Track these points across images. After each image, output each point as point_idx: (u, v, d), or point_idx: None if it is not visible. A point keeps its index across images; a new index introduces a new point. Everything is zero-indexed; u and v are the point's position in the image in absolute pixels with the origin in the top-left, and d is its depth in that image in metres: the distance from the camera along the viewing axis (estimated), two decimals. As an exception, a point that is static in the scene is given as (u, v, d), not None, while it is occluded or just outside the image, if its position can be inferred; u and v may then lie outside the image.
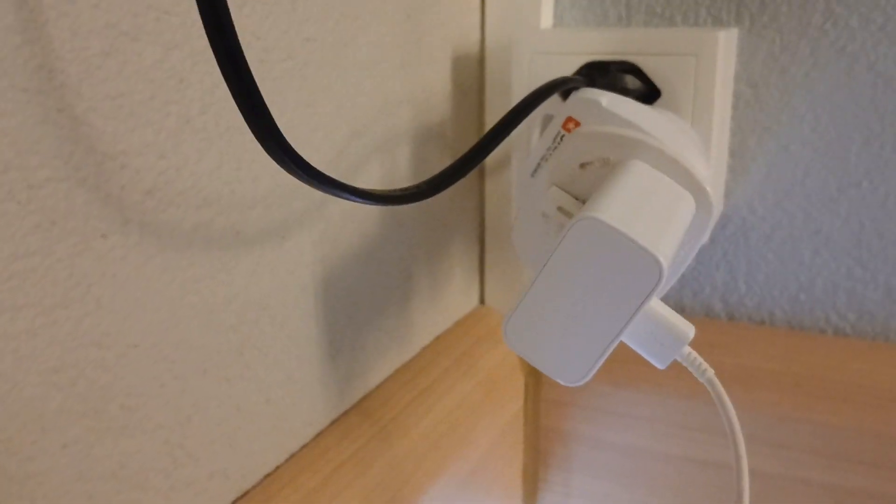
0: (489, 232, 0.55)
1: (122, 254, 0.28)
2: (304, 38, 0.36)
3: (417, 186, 0.32)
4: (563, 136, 0.40)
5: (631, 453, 0.54)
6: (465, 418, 0.48)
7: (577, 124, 0.40)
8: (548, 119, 0.47)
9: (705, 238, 0.39)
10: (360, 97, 0.40)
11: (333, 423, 0.42)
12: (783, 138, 0.48)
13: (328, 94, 0.38)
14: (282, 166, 0.24)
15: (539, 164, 0.41)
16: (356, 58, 0.39)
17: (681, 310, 0.54)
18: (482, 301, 0.57)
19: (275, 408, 0.37)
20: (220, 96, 0.31)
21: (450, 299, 0.53)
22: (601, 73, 0.43)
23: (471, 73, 0.51)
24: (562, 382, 0.34)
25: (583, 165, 0.39)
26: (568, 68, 0.45)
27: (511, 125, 0.37)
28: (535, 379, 0.55)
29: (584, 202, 0.40)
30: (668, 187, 0.36)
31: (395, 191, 0.31)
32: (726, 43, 0.45)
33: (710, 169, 0.45)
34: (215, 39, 0.21)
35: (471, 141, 0.53)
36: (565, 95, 0.44)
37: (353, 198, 0.28)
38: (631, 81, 0.44)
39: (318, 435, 0.41)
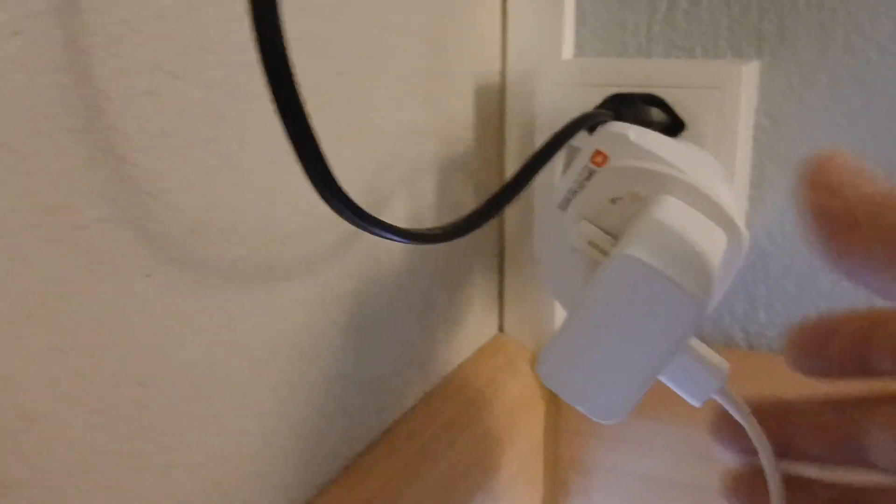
0: (508, 260, 0.55)
1: (163, 292, 0.28)
2: (337, 72, 0.36)
3: (454, 224, 0.32)
4: (591, 169, 0.40)
5: (651, 483, 0.54)
6: (489, 449, 0.48)
7: (606, 158, 0.40)
8: (573, 151, 0.47)
9: (735, 272, 0.39)
10: (388, 130, 0.40)
11: (360, 455, 0.42)
12: (804, 169, 0.48)
13: (358, 128, 0.38)
14: (338, 213, 0.24)
15: (568, 198, 0.41)
16: (384, 91, 0.40)
17: (700, 339, 0.54)
18: (501, 329, 0.57)
19: (305, 442, 0.37)
20: (256, 133, 0.31)
21: (470, 328, 0.53)
22: (627, 106, 0.44)
23: (492, 103, 0.51)
24: (596, 420, 0.34)
25: (613, 200, 0.39)
26: (591, 99, 0.46)
27: (543, 161, 0.37)
28: (554, 408, 0.55)
29: (614, 237, 0.40)
30: (701, 223, 0.37)
31: (434, 229, 0.31)
32: (749, 76, 0.45)
33: (738, 203, 0.45)
34: (277, 90, 0.21)
35: (492, 171, 0.53)
36: (591, 128, 0.44)
37: (398, 238, 0.28)
38: (656, 114, 0.44)
39: (346, 469, 0.41)
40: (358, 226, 0.26)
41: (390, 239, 0.28)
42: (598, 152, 0.40)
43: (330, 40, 0.35)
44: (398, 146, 0.41)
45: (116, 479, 0.27)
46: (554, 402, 0.55)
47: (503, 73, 0.52)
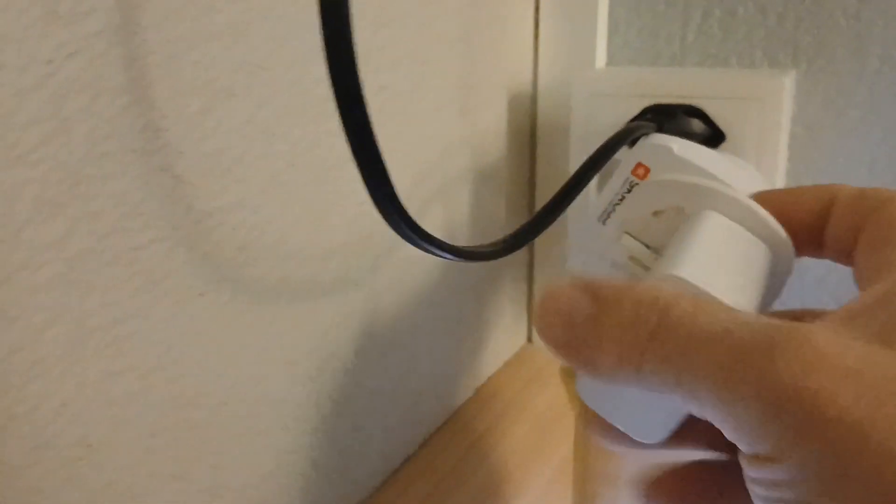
0: (537, 269, 0.55)
1: (216, 312, 0.28)
2: (380, 86, 0.35)
3: (504, 241, 0.31)
4: (632, 182, 0.40)
5: (682, 495, 0.53)
6: (521, 462, 0.47)
7: (648, 170, 0.39)
8: (612, 162, 0.47)
9: (785, 282, 0.38)
10: (426, 141, 0.40)
11: (397, 471, 0.41)
12: (839, 180, 0.48)
13: (399, 141, 0.37)
14: (397, 231, 0.24)
15: (608, 210, 0.40)
16: (423, 103, 0.39)
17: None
18: (529, 339, 0.57)
19: (345, 458, 0.37)
20: (303, 150, 0.31)
21: (500, 339, 0.53)
22: (668, 118, 0.43)
23: (523, 113, 0.51)
24: (638, 439, 0.34)
25: (655, 213, 0.38)
26: (627, 110, 0.45)
27: (590, 173, 0.36)
28: (584, 421, 0.55)
29: (655, 250, 0.39)
30: (746, 240, 0.36)
31: (487, 246, 0.30)
32: (789, 87, 0.44)
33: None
34: (346, 112, 0.21)
35: (523, 181, 0.52)
36: (632, 141, 0.43)
37: (453, 256, 0.27)
38: (697, 125, 0.43)
39: (383, 483, 0.40)
40: (414, 243, 0.26)
41: (445, 257, 0.28)
42: (639, 165, 0.40)
43: (372, 55, 0.35)
44: (434, 157, 0.41)
45: (167, 502, 0.27)
46: (583, 415, 0.55)
47: (535, 83, 0.51)
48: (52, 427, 0.23)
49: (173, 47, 0.25)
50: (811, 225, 0.28)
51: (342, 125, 0.22)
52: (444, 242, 0.27)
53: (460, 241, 0.45)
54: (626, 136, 0.39)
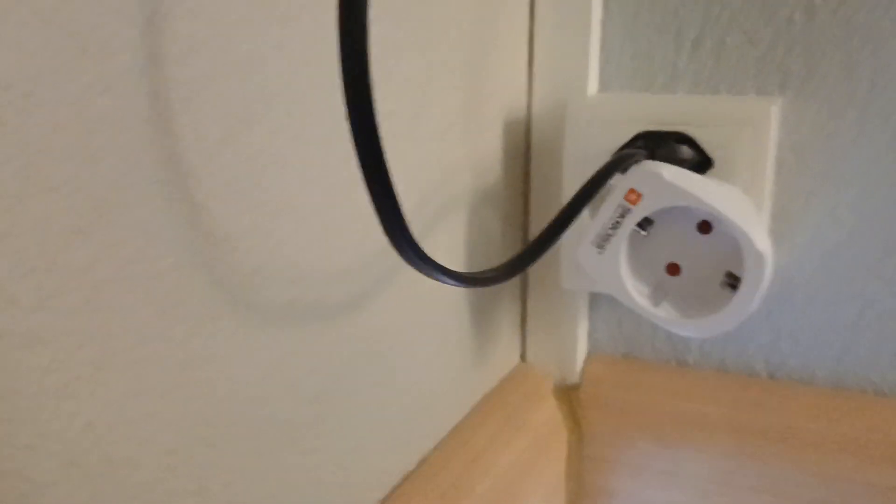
0: (531, 289, 0.56)
1: (229, 333, 0.29)
2: (388, 111, 0.36)
3: (503, 267, 0.33)
4: (625, 207, 0.41)
5: (674, 511, 0.55)
6: (517, 478, 0.48)
7: (640, 196, 0.41)
8: (604, 189, 0.48)
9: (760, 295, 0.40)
10: (427, 165, 0.41)
11: (395, 489, 0.42)
12: (828, 203, 0.49)
13: (403, 164, 0.39)
14: (406, 260, 0.25)
15: (604, 235, 0.42)
16: (425, 129, 0.40)
17: (722, 368, 0.54)
18: (523, 358, 0.58)
19: (347, 476, 0.38)
20: (313, 176, 0.32)
21: (495, 357, 0.54)
22: (659, 144, 0.45)
23: (519, 138, 0.52)
24: None
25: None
26: (618, 135, 0.47)
27: (585, 200, 0.38)
28: (577, 437, 0.56)
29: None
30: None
31: (488, 272, 0.32)
32: (776, 113, 0.46)
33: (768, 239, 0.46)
34: (365, 156, 0.22)
35: (518, 204, 0.53)
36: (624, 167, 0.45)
37: (457, 283, 0.29)
38: (686, 152, 0.45)
39: (383, 501, 0.41)
40: (422, 271, 0.27)
41: (448, 283, 0.29)
42: (632, 191, 0.41)
43: (380, 82, 0.36)
44: (435, 180, 0.42)
45: (184, 519, 0.28)
46: (577, 431, 0.56)
47: (529, 109, 0.53)
48: (79, 445, 0.24)
49: (195, 81, 0.26)
50: None
51: (358, 159, 0.23)
52: (449, 270, 0.29)
53: (458, 261, 0.46)
54: (619, 165, 0.41)
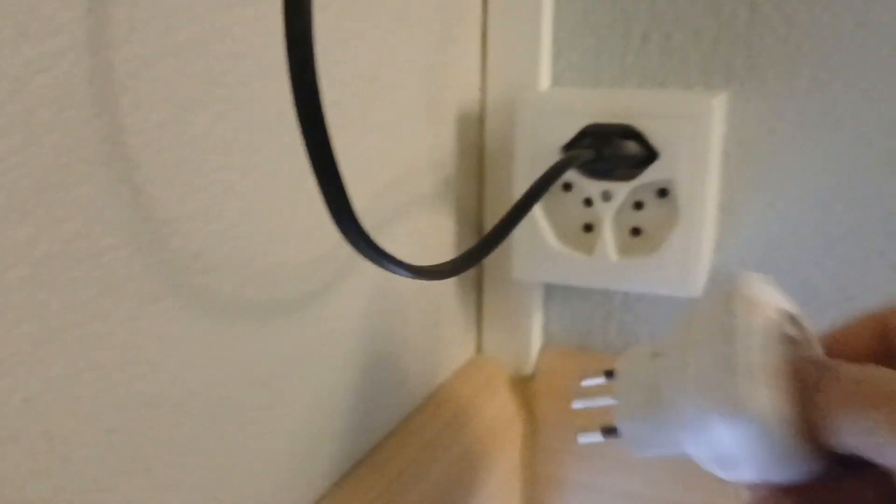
0: (487, 282, 0.57)
1: (172, 316, 0.29)
2: (332, 102, 0.37)
3: (455, 261, 0.34)
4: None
5: (626, 499, 0.55)
6: (470, 467, 0.49)
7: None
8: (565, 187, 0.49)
9: None
10: (378, 159, 0.42)
11: (347, 474, 0.43)
12: (771, 196, 0.50)
13: (351, 156, 0.39)
14: (355, 247, 0.26)
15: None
16: (376, 120, 0.41)
17: (672, 358, 0.55)
18: (479, 350, 0.59)
19: (298, 461, 0.38)
20: (258, 163, 0.33)
21: (450, 349, 0.54)
22: (605, 142, 0.46)
23: (473, 132, 0.53)
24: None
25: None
26: (568, 128, 0.47)
27: (532, 201, 0.39)
28: (532, 427, 0.57)
29: None
30: None
31: (439, 266, 0.33)
32: (720, 106, 0.47)
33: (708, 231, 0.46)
34: (308, 132, 0.22)
35: (472, 197, 0.54)
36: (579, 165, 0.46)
37: (407, 273, 0.29)
38: (631, 147, 0.46)
39: (334, 486, 0.42)
40: (372, 259, 0.28)
41: (400, 274, 0.30)
42: None
43: (326, 72, 0.36)
44: (387, 174, 0.43)
45: (128, 497, 0.28)
46: (531, 422, 0.57)
47: (483, 104, 0.54)
48: (17, 421, 0.24)
49: (135, 64, 0.26)
50: (875, 358, 0.29)
51: (303, 141, 0.24)
52: (401, 261, 0.29)
53: (412, 255, 0.47)
54: (567, 166, 0.42)
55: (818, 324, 0.30)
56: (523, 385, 0.58)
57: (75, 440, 0.26)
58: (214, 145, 0.30)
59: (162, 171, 0.28)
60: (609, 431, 0.34)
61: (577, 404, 0.37)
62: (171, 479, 0.30)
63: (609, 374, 0.35)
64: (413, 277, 0.31)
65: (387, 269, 0.30)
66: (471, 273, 0.56)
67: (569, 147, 0.48)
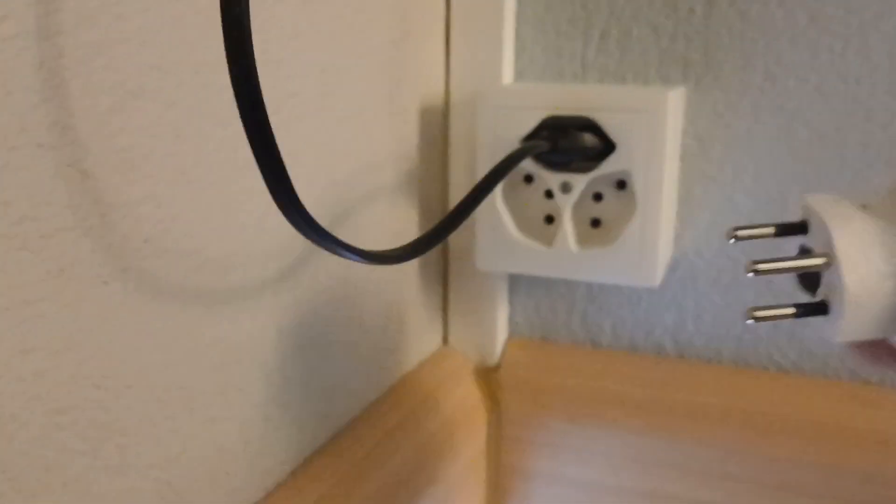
0: (452, 273, 0.57)
1: (120, 300, 0.30)
2: (289, 93, 0.38)
3: (405, 248, 0.34)
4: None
5: (589, 488, 0.56)
6: (433, 456, 0.50)
7: None
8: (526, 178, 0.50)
9: None
10: (339, 150, 0.42)
11: (307, 461, 0.43)
12: (727, 189, 0.51)
13: (309, 147, 0.40)
14: (298, 230, 0.26)
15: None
16: (335, 111, 0.42)
17: (633, 348, 0.56)
18: (445, 341, 0.59)
19: (253, 447, 0.39)
20: (211, 149, 0.33)
21: (415, 339, 0.55)
22: (562, 135, 0.46)
23: (436, 126, 0.54)
24: None
25: None
26: (529, 122, 0.48)
27: (486, 190, 0.39)
28: (496, 417, 0.57)
29: None
30: None
31: (390, 251, 0.33)
32: (675, 101, 0.48)
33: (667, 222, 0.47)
34: (247, 116, 0.23)
35: (437, 188, 0.55)
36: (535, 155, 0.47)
37: (356, 257, 0.30)
38: (589, 139, 0.47)
39: (293, 473, 0.42)
40: (319, 244, 0.28)
41: (349, 258, 0.30)
42: None
43: (284, 63, 0.37)
44: (348, 166, 0.44)
45: (74, 478, 0.29)
46: (495, 412, 0.57)
47: (447, 98, 0.54)
48: (-40, 397, 0.24)
49: (83, 51, 0.27)
50: None
51: (242, 123, 0.25)
52: (352, 246, 0.30)
53: (376, 247, 0.48)
54: (521, 156, 0.42)
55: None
56: (488, 375, 0.58)
57: (22, 418, 0.26)
58: (165, 132, 0.31)
59: (112, 156, 0.29)
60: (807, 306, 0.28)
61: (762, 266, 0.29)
62: (119, 459, 0.30)
63: (785, 228, 0.30)
64: (366, 262, 0.31)
65: (338, 254, 0.30)
66: (436, 264, 0.57)
67: (528, 140, 0.48)
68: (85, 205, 0.28)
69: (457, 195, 0.56)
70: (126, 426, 0.31)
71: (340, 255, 0.30)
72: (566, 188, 0.49)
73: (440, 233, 0.37)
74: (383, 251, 0.34)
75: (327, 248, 0.29)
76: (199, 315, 0.34)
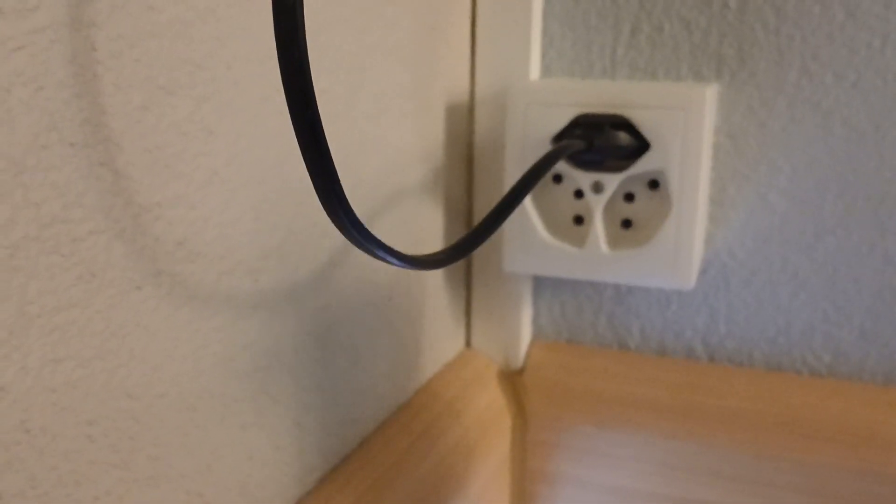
0: (475, 275, 0.56)
1: (154, 305, 0.28)
2: (319, 89, 0.36)
3: (445, 252, 0.33)
4: None
5: (615, 493, 0.55)
6: (459, 461, 0.49)
7: None
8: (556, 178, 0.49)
9: None
10: (365, 145, 0.41)
11: (335, 468, 0.42)
12: (762, 188, 0.50)
13: (337, 144, 0.39)
14: (342, 230, 0.25)
15: None
16: (361, 108, 0.40)
17: (662, 351, 0.55)
18: (468, 344, 0.58)
19: (282, 454, 0.37)
20: (243, 148, 0.32)
21: (439, 343, 0.54)
22: (596, 132, 0.45)
23: (462, 123, 0.53)
24: None
25: None
26: (558, 119, 0.47)
27: (524, 192, 0.38)
28: (521, 421, 0.56)
29: None
30: None
31: (432, 255, 0.32)
32: (711, 97, 0.47)
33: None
34: (298, 114, 0.22)
35: (462, 188, 0.54)
36: (569, 156, 0.45)
37: (398, 262, 0.29)
38: (623, 138, 0.45)
39: (322, 480, 0.41)
40: (361, 246, 0.27)
41: (390, 262, 0.29)
42: None
43: (312, 59, 0.36)
44: (374, 163, 0.42)
45: (106, 490, 0.27)
46: (521, 416, 0.56)
47: (472, 94, 0.53)
48: (-9, 410, 0.23)
49: (115, 44, 0.26)
50: None
51: (293, 124, 0.23)
52: (391, 248, 0.29)
53: (400, 246, 0.46)
54: (559, 155, 0.41)
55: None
56: (513, 379, 0.57)
57: (53, 431, 0.25)
58: (197, 130, 0.29)
59: (143, 156, 0.27)
60: None
61: None
62: (151, 471, 0.29)
63: None
64: (403, 266, 0.30)
65: (377, 257, 0.29)
66: (459, 266, 0.56)
67: (559, 137, 0.47)
68: (117, 206, 0.27)
69: (482, 193, 0.55)
70: (158, 436, 0.29)
71: (381, 258, 0.29)
72: (598, 188, 0.48)
73: (479, 236, 0.36)
74: (423, 256, 0.33)
75: (369, 252, 0.28)
76: (231, 320, 0.33)
